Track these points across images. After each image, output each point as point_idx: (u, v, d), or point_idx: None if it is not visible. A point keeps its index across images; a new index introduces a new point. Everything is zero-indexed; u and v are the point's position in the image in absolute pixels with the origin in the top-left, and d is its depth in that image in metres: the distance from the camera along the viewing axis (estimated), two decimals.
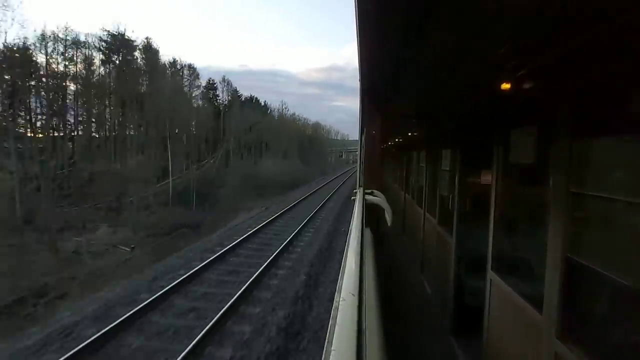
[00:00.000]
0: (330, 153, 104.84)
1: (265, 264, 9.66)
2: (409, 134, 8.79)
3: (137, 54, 44.05)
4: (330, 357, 0.68)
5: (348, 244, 1.71)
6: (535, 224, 2.52)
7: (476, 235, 3.47)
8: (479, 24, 1.93)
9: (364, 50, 2.14)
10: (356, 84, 3.32)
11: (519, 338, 2.47)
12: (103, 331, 5.97)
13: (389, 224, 3.98)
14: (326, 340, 0.79)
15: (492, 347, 2.96)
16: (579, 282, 1.87)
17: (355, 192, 3.82)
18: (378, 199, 3.78)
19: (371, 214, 3.66)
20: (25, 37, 32.88)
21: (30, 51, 33.62)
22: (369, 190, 3.85)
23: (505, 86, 2.66)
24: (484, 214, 3.18)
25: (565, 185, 1.93)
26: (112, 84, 40.79)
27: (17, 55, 31.79)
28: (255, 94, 75.84)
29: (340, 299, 0.92)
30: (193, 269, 9.23)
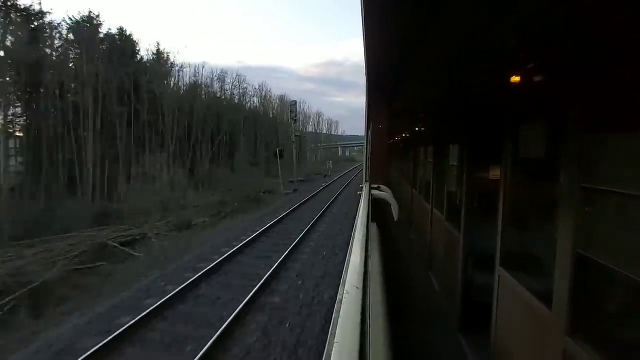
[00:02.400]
0: (312, 150, 74.56)
1: None
2: (416, 129, 8.72)
3: None
4: (334, 350, 0.67)
5: (354, 238, 1.70)
6: (545, 219, 2.48)
7: (485, 231, 3.43)
8: (489, 15, 1.89)
9: (370, 42, 2.11)
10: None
11: (528, 335, 2.44)
12: None
13: (395, 219, 3.96)
14: (329, 334, 0.78)
15: (501, 344, 2.94)
16: (589, 278, 1.83)
17: (362, 187, 3.80)
18: (384, 194, 3.76)
19: (377, 209, 3.64)
20: None
21: None
22: (376, 185, 3.83)
23: (515, 79, 2.60)
24: (492, 210, 3.14)
25: (577, 181, 1.89)
26: None
27: None
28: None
29: (345, 292, 0.91)
30: None
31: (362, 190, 3.69)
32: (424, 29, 1.97)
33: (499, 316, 2.96)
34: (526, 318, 2.46)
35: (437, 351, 3.97)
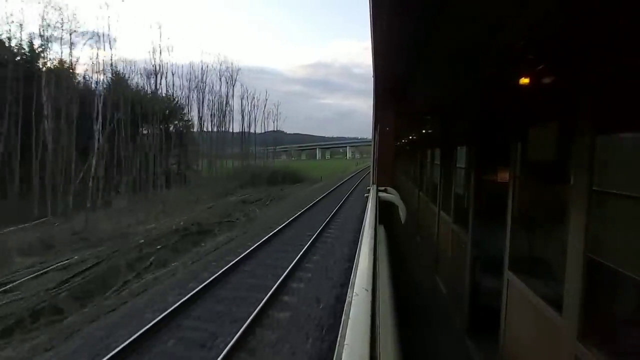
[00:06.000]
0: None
1: None
2: (423, 131, 8.68)
3: None
4: (344, 352, 0.67)
5: (361, 240, 1.70)
6: (555, 222, 2.44)
7: (493, 234, 3.40)
8: (497, 15, 1.88)
9: (378, 43, 2.11)
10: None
11: (537, 340, 2.41)
12: None
13: (402, 222, 3.94)
14: (339, 335, 0.78)
15: (509, 349, 2.90)
16: (600, 282, 1.80)
17: (369, 190, 3.80)
18: (392, 196, 3.75)
19: (384, 211, 3.63)
20: None
21: None
22: (383, 188, 3.82)
23: (524, 80, 2.58)
24: (501, 212, 3.10)
25: (588, 183, 1.86)
26: None
27: None
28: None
29: (354, 294, 0.91)
30: None
31: (369, 192, 3.68)
32: (433, 30, 1.96)
33: (508, 320, 2.93)
34: (535, 323, 2.43)
35: (444, 354, 3.93)
